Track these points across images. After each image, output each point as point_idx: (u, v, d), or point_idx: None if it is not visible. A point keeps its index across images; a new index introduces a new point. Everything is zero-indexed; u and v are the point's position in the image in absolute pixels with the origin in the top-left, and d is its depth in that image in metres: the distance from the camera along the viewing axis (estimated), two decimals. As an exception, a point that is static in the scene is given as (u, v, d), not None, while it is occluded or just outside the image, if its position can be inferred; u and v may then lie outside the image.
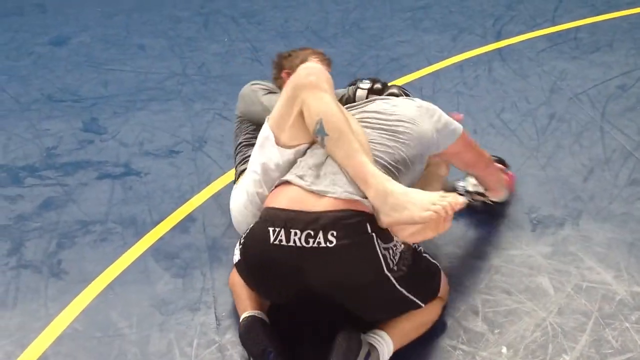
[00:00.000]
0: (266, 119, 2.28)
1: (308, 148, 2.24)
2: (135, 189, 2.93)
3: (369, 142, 2.15)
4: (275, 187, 2.15)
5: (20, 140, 3.34)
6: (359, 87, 2.61)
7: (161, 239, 2.64)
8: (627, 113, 3.31)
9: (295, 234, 1.95)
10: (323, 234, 1.93)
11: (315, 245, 1.93)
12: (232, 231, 2.63)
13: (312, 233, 1.94)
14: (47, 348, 2.19)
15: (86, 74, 3.99)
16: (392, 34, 4.33)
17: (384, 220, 1.99)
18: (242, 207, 2.36)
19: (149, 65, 4.07)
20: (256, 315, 2.09)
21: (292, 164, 2.22)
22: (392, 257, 2.00)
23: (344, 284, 1.98)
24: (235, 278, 2.24)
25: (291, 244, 1.95)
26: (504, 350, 2.10)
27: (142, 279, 2.45)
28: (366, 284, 1.99)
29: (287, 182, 2.09)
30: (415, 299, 2.08)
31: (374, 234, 1.97)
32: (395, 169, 2.12)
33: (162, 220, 2.73)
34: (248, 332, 2.04)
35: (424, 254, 2.19)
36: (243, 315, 2.12)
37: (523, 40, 4.10)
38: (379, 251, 1.97)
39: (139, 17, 4.76)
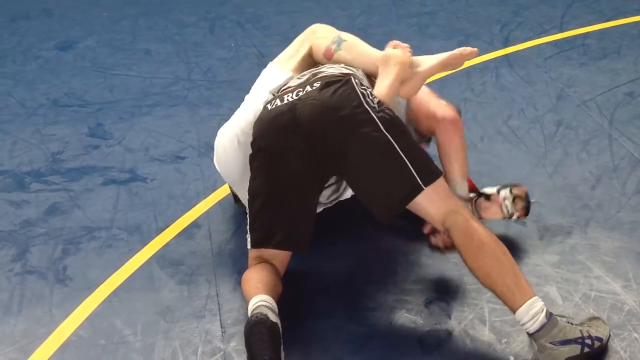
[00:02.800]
0: (269, 65, 2.59)
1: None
2: (140, 195, 2.93)
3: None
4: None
5: (26, 145, 3.33)
6: None
7: (166, 245, 2.63)
8: (636, 120, 3.29)
9: (288, 95, 2.25)
10: (310, 86, 2.24)
11: (303, 94, 2.22)
12: (238, 238, 2.62)
13: (301, 89, 2.25)
14: (51, 355, 2.18)
15: (92, 78, 3.98)
16: (398, 39, 4.29)
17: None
18: (233, 136, 2.44)
19: (155, 70, 4.07)
20: (267, 316, 1.98)
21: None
22: (370, 96, 2.21)
23: (331, 117, 2.16)
24: (247, 275, 2.23)
25: (285, 102, 2.23)
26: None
27: (147, 286, 2.44)
28: (349, 115, 2.15)
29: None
30: (402, 155, 2.13)
31: (351, 77, 2.24)
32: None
33: (167, 226, 2.72)
34: (252, 334, 1.96)
35: None
36: (253, 303, 2.05)
37: (530, 47, 4.09)
38: (357, 88, 2.20)
39: (145, 22, 4.75)
